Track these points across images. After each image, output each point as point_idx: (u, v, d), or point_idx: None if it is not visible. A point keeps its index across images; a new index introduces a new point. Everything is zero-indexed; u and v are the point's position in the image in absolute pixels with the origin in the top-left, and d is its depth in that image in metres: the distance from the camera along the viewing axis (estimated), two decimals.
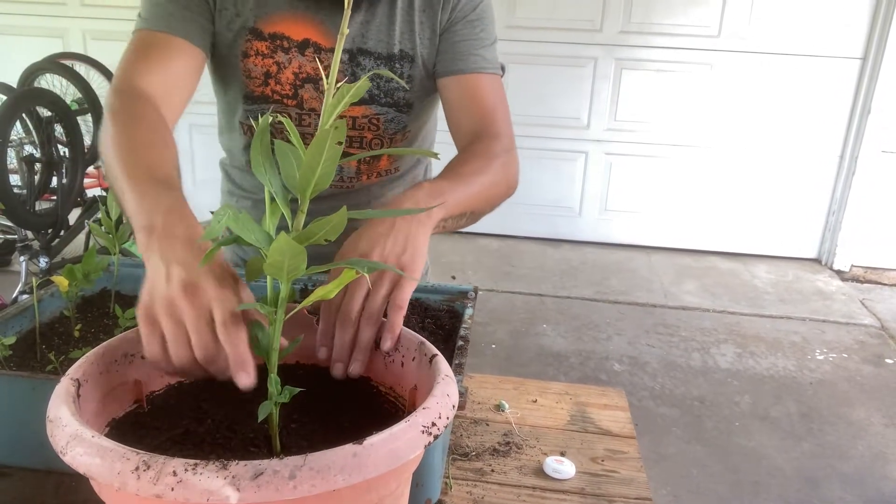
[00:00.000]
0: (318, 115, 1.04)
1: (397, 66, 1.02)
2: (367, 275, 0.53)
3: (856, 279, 3.93)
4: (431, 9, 1.01)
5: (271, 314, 0.52)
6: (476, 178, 0.87)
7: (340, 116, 1.05)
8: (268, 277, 0.51)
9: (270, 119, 0.52)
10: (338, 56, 0.48)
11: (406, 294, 0.64)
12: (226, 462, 0.40)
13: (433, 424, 0.48)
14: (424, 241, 0.70)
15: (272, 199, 0.52)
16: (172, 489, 0.40)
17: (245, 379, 0.52)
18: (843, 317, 3.42)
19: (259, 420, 0.51)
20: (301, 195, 0.49)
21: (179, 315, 0.54)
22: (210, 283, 0.55)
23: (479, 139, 0.97)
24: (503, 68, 1.05)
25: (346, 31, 0.48)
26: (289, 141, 0.50)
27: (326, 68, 1.02)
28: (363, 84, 0.49)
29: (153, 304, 0.55)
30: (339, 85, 0.48)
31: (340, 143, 0.46)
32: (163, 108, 0.87)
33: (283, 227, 0.51)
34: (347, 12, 0.49)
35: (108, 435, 0.45)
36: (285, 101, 1.03)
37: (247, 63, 1.02)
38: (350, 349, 0.62)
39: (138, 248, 0.62)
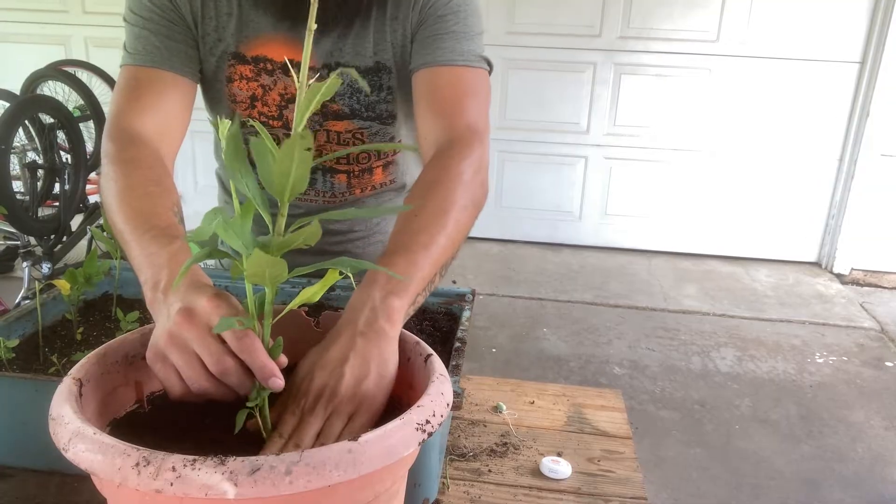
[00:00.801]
0: None
1: (375, 78, 1.01)
2: (351, 276, 0.52)
3: (855, 282, 3.94)
4: (402, 14, 0.97)
5: (252, 323, 0.52)
6: (439, 231, 0.74)
7: (326, 131, 1.04)
8: (247, 287, 0.51)
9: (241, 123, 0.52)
10: (307, 54, 0.47)
11: (361, 427, 0.56)
12: (223, 458, 0.41)
13: (427, 422, 0.49)
14: (392, 354, 0.60)
15: (241, 202, 0.50)
16: (172, 484, 0.41)
17: (276, 382, 0.52)
18: (843, 320, 3.42)
19: (235, 432, 0.52)
20: (279, 198, 0.48)
21: (184, 341, 0.54)
22: (203, 302, 0.55)
23: (441, 151, 0.87)
24: (489, 63, 0.97)
25: (314, 25, 0.47)
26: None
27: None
28: (334, 81, 0.47)
29: (157, 343, 0.55)
30: (310, 83, 0.47)
31: (310, 149, 0.46)
32: (159, 146, 0.87)
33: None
34: (314, 5, 0.47)
35: (109, 434, 0.45)
36: (271, 122, 1.03)
37: (231, 88, 1.01)
38: None
39: (146, 303, 0.62)
